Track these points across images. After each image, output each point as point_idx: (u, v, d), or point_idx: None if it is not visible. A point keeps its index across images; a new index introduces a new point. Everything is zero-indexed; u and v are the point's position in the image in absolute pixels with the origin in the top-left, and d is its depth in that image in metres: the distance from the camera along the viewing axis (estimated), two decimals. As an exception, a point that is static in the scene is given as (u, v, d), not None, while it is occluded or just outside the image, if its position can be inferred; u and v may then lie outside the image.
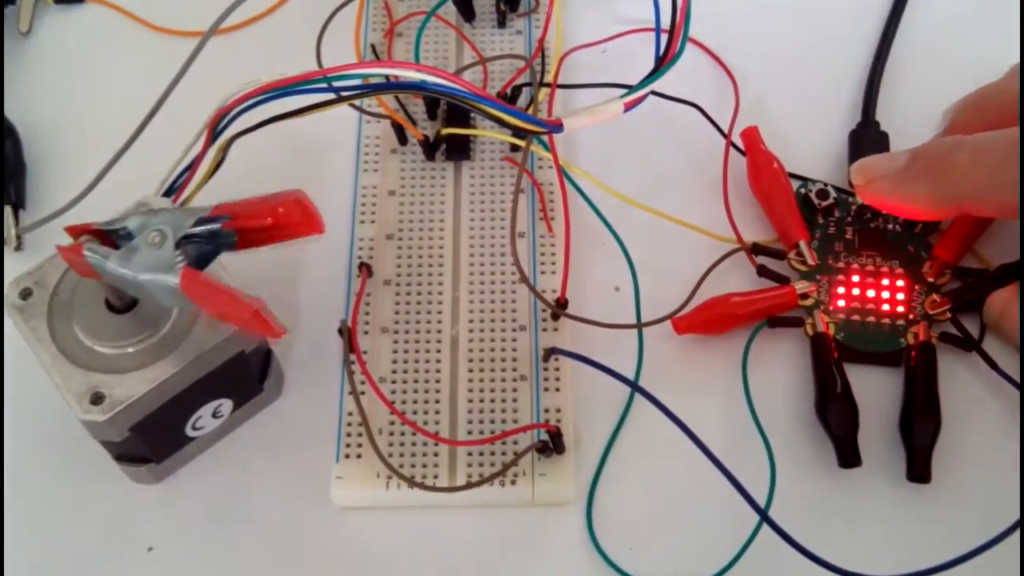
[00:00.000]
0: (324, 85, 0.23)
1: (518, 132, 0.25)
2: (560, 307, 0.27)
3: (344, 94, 0.23)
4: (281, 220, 0.22)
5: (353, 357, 0.25)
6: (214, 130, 0.25)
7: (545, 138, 0.29)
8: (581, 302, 0.29)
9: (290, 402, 0.27)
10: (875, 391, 0.27)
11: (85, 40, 0.34)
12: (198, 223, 0.22)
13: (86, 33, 0.35)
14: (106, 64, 0.34)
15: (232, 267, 0.29)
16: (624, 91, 0.26)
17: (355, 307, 0.27)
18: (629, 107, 0.26)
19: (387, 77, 0.24)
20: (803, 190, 0.30)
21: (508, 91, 0.30)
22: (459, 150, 0.30)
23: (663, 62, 0.28)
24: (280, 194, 0.23)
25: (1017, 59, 0.31)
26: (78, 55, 0.34)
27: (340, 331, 0.25)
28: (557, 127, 0.24)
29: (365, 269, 0.27)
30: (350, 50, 0.32)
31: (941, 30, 0.34)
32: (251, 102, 0.24)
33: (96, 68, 0.34)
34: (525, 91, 0.31)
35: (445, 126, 0.30)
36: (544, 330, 0.27)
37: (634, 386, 0.23)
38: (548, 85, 0.30)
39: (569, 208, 0.29)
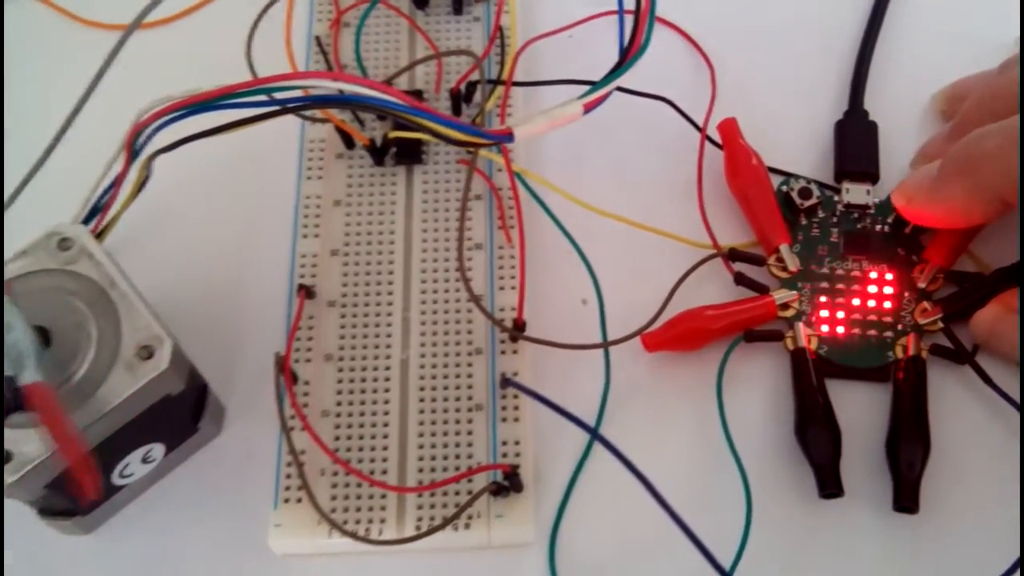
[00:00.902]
0: (243, 99, 0.21)
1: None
2: (517, 329, 0.25)
3: (259, 111, 0.21)
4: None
5: (291, 392, 0.23)
6: (133, 147, 0.23)
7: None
8: (545, 317, 0.26)
9: (231, 439, 0.25)
10: (861, 410, 0.25)
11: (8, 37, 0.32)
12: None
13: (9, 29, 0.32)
14: (28, 63, 0.31)
15: (166, 285, 0.27)
16: (587, 89, 0.24)
17: (291, 335, 0.24)
18: (589, 108, 0.24)
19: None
20: (784, 188, 0.28)
21: (462, 88, 0.28)
22: (410, 154, 0.28)
23: (627, 56, 0.25)
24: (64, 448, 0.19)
25: (1012, 38, 0.28)
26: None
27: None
28: (507, 137, 0.22)
29: (304, 291, 0.25)
30: (295, 44, 0.30)
31: (933, 11, 0.31)
32: (167, 119, 0.22)
33: (17, 68, 0.31)
34: (482, 87, 0.29)
35: (394, 128, 0.28)
36: (503, 353, 0.25)
37: (593, 433, 0.21)
38: (502, 83, 0.27)
39: (531, 216, 0.27)
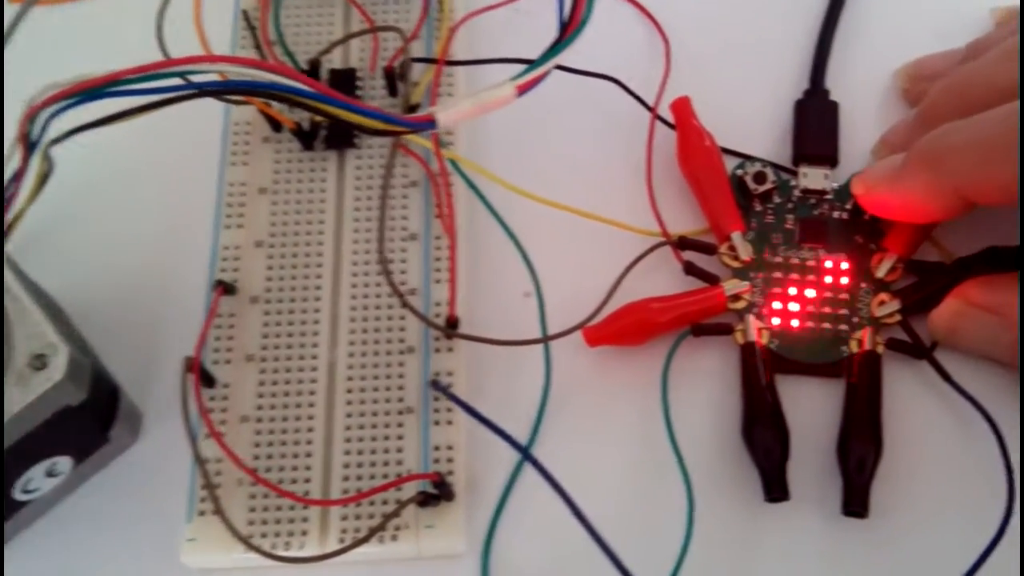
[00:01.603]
0: (134, 86, 0.19)
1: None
2: (450, 326, 0.24)
3: (152, 99, 0.19)
4: None
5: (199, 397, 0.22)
6: (28, 138, 0.22)
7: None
8: (486, 312, 0.25)
9: (148, 447, 0.24)
10: (813, 408, 0.24)
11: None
12: None
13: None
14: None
15: (79, 284, 0.25)
16: (523, 69, 0.22)
17: (201, 336, 0.23)
18: (524, 90, 0.22)
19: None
20: (739, 172, 0.26)
21: (396, 66, 0.26)
22: (342, 137, 0.26)
23: (566, 32, 0.23)
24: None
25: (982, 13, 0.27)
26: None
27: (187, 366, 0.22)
28: (428, 124, 0.21)
29: (221, 288, 0.24)
30: (225, 16, 0.28)
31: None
32: (57, 107, 0.21)
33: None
34: (418, 66, 0.27)
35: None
36: (437, 351, 0.24)
37: (524, 452, 0.20)
38: (434, 62, 0.26)
39: (472, 205, 0.25)
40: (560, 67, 0.25)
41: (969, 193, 0.22)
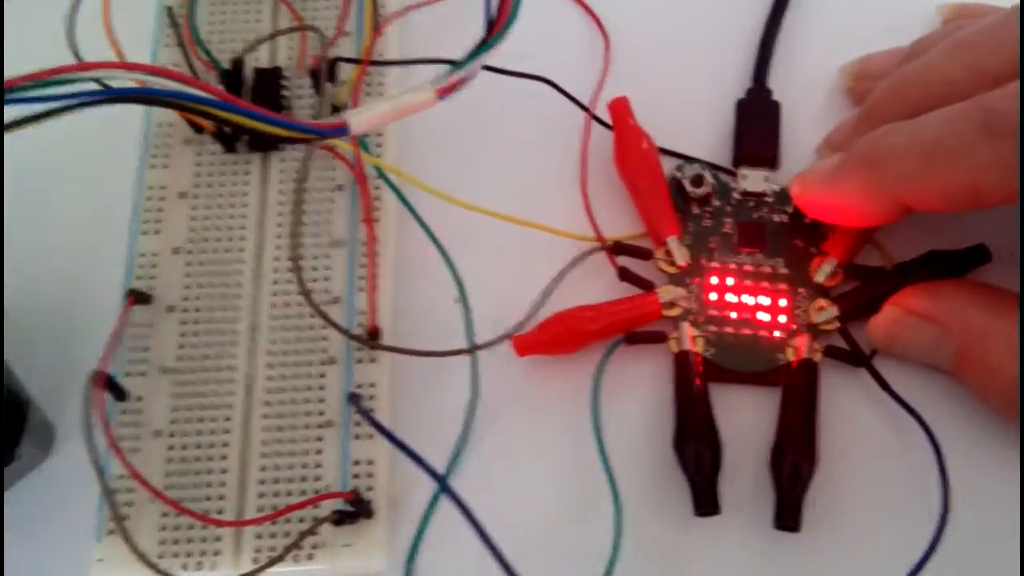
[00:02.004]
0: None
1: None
2: (370, 337, 0.23)
3: (36, 110, 0.18)
4: None
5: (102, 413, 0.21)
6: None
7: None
8: (415, 320, 0.24)
9: (61, 463, 0.23)
10: (748, 418, 0.23)
11: None
12: None
13: None
14: None
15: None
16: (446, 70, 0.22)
17: (109, 347, 0.22)
18: (445, 94, 0.21)
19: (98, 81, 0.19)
20: (677, 174, 0.25)
21: (322, 66, 0.25)
22: (265, 140, 0.25)
23: (492, 31, 0.23)
24: None
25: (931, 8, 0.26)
26: None
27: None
28: (340, 130, 0.20)
29: (132, 297, 0.23)
30: (148, 13, 0.27)
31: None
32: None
33: None
34: (346, 66, 0.26)
35: (248, 111, 0.25)
36: (359, 362, 0.23)
37: (441, 482, 0.19)
38: (359, 62, 0.25)
39: (399, 210, 0.24)
40: (490, 68, 0.25)
41: (907, 198, 0.21)
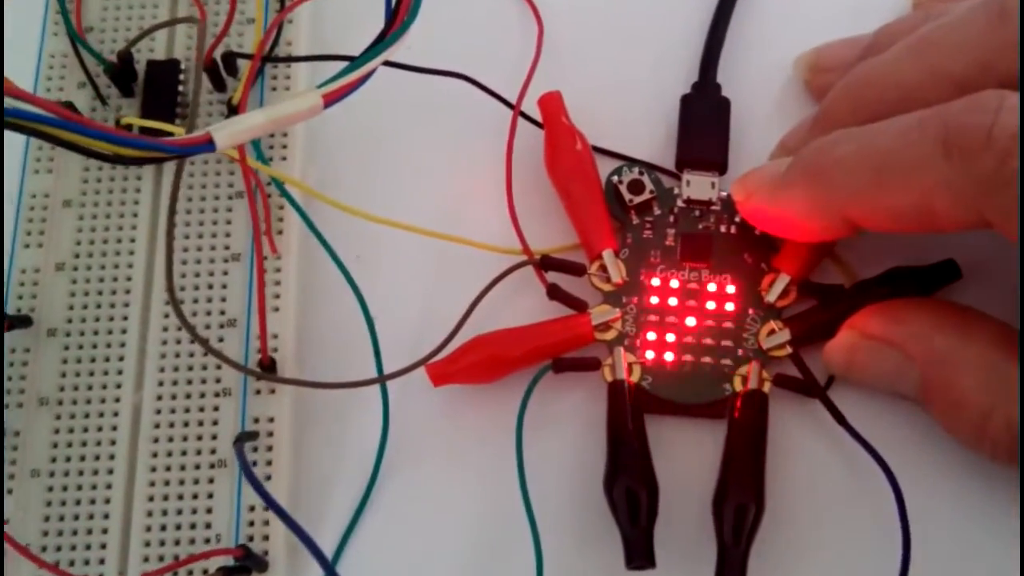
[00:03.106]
0: None
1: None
2: (264, 368, 0.21)
3: None
4: None
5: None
6: None
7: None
8: (320, 342, 0.22)
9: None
10: (690, 456, 0.21)
11: None
12: None
13: None
14: None
15: None
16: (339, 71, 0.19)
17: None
18: (333, 100, 0.19)
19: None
20: (614, 179, 0.23)
21: (217, 60, 0.23)
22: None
23: (393, 24, 0.20)
24: None
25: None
26: None
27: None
28: (203, 147, 0.17)
29: (7, 323, 0.20)
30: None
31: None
32: None
33: None
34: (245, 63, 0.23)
35: (142, 112, 0.23)
36: (257, 392, 0.21)
37: (329, 570, 0.17)
38: (249, 57, 0.22)
39: (301, 220, 0.22)
40: (398, 65, 0.22)
41: (854, 215, 0.19)
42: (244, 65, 0.23)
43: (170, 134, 0.22)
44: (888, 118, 0.19)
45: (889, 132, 0.18)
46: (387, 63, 0.21)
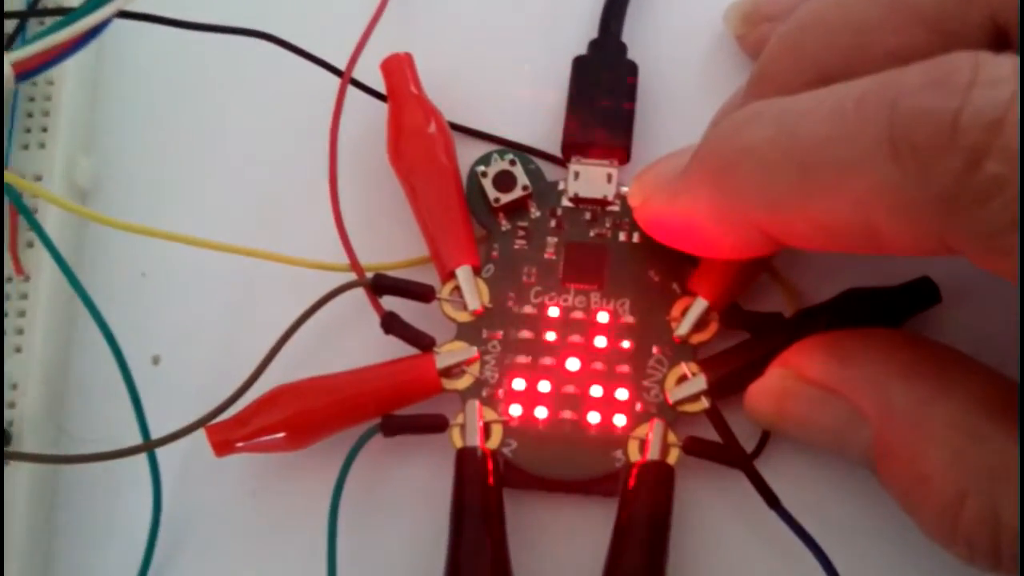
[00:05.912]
0: None
1: None
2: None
3: None
4: None
5: None
6: None
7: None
8: (83, 394, 0.17)
9: None
10: (567, 547, 0.16)
11: None
12: None
13: None
14: None
15: None
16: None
17: None
18: (27, 71, 0.13)
19: None
20: (479, 170, 0.17)
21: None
22: None
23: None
24: None
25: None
26: None
27: None
28: None
29: None
30: None
31: None
32: None
33: None
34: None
35: None
36: None
37: None
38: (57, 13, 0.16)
39: (75, 238, 0.17)
40: (176, 23, 0.17)
41: (771, 228, 0.13)
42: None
43: None
44: (843, 75, 0.13)
45: (818, 113, 0.12)
46: (156, 19, 0.16)
